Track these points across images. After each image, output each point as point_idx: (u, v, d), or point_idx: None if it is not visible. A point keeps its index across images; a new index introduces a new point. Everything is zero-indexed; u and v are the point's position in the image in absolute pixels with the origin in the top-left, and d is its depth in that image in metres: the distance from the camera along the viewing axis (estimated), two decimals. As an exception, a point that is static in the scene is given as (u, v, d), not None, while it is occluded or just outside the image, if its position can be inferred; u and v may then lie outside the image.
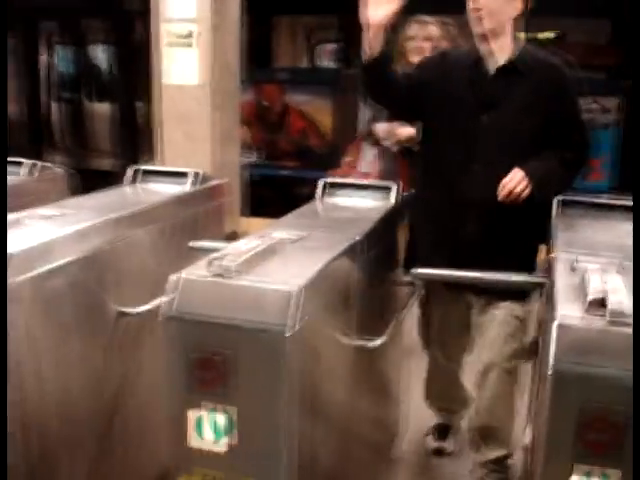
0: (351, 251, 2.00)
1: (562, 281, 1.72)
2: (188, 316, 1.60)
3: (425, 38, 3.31)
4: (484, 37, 2.47)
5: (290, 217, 2.36)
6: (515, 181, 2.42)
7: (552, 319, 1.49)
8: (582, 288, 1.59)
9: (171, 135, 5.98)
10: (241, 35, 6.34)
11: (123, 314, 2.36)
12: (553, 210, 2.46)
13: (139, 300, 2.41)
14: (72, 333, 2.20)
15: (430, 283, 2.62)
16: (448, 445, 3.12)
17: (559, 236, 2.20)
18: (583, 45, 8.18)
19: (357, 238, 2.06)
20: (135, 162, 9.53)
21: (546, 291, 2.08)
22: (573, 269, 1.78)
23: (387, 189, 2.56)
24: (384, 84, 2.52)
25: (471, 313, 2.72)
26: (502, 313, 2.60)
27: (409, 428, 3.19)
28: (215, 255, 1.71)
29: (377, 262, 2.31)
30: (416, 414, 3.21)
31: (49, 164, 3.56)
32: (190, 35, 5.78)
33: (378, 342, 2.12)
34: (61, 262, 2.10)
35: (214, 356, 1.58)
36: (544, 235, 2.54)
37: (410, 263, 2.57)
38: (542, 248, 2.81)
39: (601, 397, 1.41)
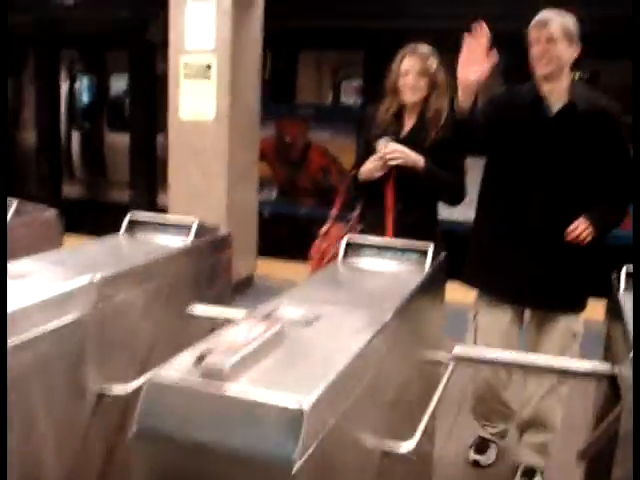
0: (380, 336, 1.61)
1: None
2: (165, 435, 1.21)
3: (420, 73, 2.84)
4: (545, 78, 2.65)
5: (305, 286, 1.97)
6: (580, 229, 2.63)
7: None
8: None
9: (186, 171, 5.68)
10: (263, 69, 6.06)
11: (105, 395, 1.99)
12: (621, 283, 2.07)
13: (127, 376, 2.05)
14: (43, 419, 1.84)
15: (481, 294, 2.85)
16: (486, 459, 3.13)
17: (630, 321, 1.79)
18: (616, 87, 7.80)
19: (387, 319, 1.67)
20: (152, 197, 9.22)
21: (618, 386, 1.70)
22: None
23: (422, 252, 2.16)
24: (472, 135, 2.65)
25: (527, 327, 2.89)
26: (560, 329, 2.77)
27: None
28: (206, 346, 1.33)
29: (409, 344, 1.92)
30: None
31: (42, 205, 3.25)
32: (209, 67, 5.50)
33: (410, 445, 1.72)
34: (29, 335, 1.75)
35: (198, 490, 1.20)
36: (595, 277, 2.74)
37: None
38: (597, 303, 2.67)
39: None
